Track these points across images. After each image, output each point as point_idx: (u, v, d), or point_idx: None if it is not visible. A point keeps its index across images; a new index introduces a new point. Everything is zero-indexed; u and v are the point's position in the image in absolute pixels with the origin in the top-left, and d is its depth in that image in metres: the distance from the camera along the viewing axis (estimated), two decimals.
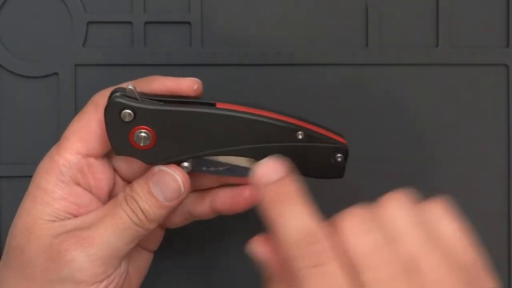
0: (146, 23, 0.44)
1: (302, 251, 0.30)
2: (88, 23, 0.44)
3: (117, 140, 0.35)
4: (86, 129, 0.36)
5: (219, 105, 0.35)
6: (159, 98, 0.35)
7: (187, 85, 0.37)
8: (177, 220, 0.40)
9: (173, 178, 0.36)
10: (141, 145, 0.35)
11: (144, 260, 0.40)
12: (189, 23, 0.45)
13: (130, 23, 0.44)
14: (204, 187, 0.39)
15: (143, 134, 0.35)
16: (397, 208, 0.31)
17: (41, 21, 0.44)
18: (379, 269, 0.29)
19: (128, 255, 0.37)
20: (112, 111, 0.34)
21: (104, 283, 0.35)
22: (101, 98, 0.36)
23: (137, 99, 0.35)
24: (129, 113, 0.34)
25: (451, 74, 0.45)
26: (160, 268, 0.44)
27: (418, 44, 0.46)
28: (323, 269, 0.29)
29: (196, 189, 0.39)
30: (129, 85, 0.35)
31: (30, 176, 0.42)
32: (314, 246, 0.30)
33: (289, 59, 0.45)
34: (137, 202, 0.36)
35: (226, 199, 0.38)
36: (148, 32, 0.45)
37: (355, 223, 0.30)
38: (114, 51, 0.44)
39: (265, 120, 0.35)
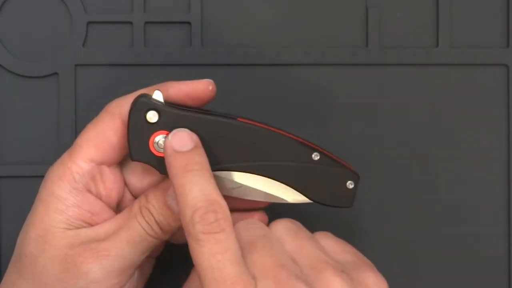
0: (146, 23, 0.44)
1: (205, 216, 0.31)
2: (88, 23, 0.44)
3: (136, 143, 0.35)
4: (101, 137, 0.36)
5: (240, 119, 0.36)
6: (183, 107, 0.36)
7: (202, 86, 0.37)
8: (182, 238, 0.39)
9: None
10: (160, 151, 0.35)
11: (148, 266, 0.40)
12: (189, 23, 0.45)
13: (130, 23, 0.44)
14: None
15: (163, 139, 0.35)
16: (284, 223, 0.35)
17: (41, 21, 0.44)
18: (263, 256, 0.32)
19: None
20: (137, 111, 0.35)
21: None
22: (116, 107, 0.36)
23: (163, 103, 0.35)
24: (154, 113, 0.35)
25: (451, 74, 0.45)
26: (162, 274, 0.44)
27: (418, 44, 0.45)
28: (221, 235, 0.31)
29: None
30: (156, 90, 0.35)
31: (30, 176, 0.42)
32: (217, 214, 0.32)
33: (289, 59, 0.45)
34: (152, 214, 0.36)
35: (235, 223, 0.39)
36: (148, 32, 0.45)
37: (249, 222, 0.34)
38: (114, 51, 0.44)
39: (284, 136, 0.36)
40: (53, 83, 0.44)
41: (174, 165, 0.34)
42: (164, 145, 0.34)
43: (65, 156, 0.37)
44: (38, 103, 0.44)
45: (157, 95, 0.35)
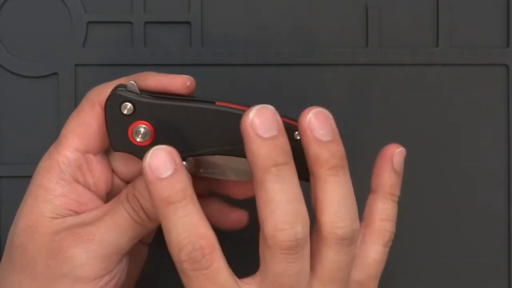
0: (146, 23, 0.44)
1: (191, 255, 0.32)
2: (88, 23, 0.44)
3: (116, 135, 0.36)
4: (84, 126, 0.36)
5: (218, 103, 0.35)
6: (159, 95, 0.36)
7: (180, 81, 0.37)
8: None
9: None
10: (139, 141, 0.35)
11: (141, 253, 0.40)
12: (189, 23, 0.45)
13: (130, 23, 0.44)
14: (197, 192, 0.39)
15: (142, 129, 0.35)
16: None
17: (41, 21, 0.44)
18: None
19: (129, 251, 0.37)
20: (112, 104, 0.35)
21: (105, 278, 0.35)
22: (96, 96, 0.37)
23: (138, 94, 0.35)
24: (129, 105, 0.35)
25: (451, 74, 0.45)
26: (159, 263, 0.44)
27: (418, 44, 0.45)
28: (209, 271, 0.32)
29: None
30: (130, 81, 0.35)
31: (31, 176, 0.42)
32: (203, 250, 0.32)
33: (289, 59, 0.45)
34: (138, 201, 0.36)
35: (215, 214, 0.39)
36: (148, 32, 0.45)
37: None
38: (114, 51, 0.44)
39: None
40: (53, 83, 0.44)
41: (155, 195, 0.32)
42: (143, 166, 0.32)
43: (52, 148, 0.37)
44: (38, 103, 0.44)
45: (132, 86, 0.35)
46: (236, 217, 0.39)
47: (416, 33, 0.46)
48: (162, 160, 0.32)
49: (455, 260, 0.45)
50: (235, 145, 0.35)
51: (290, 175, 0.32)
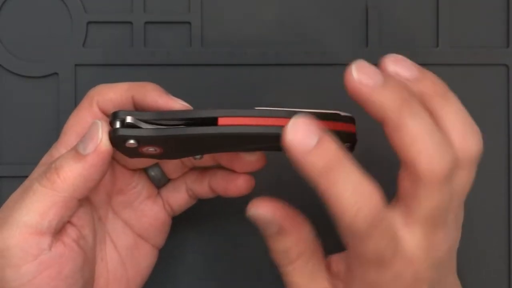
0: (146, 23, 0.44)
1: (363, 219, 0.30)
2: (88, 23, 0.44)
3: (128, 154, 0.36)
4: (82, 124, 0.37)
5: (221, 120, 0.34)
6: (159, 116, 0.35)
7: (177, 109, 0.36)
8: (181, 200, 0.40)
9: (95, 125, 0.35)
10: (152, 153, 0.36)
11: (145, 256, 0.40)
12: (189, 23, 0.45)
13: (130, 23, 0.44)
14: (203, 165, 0.39)
15: (151, 149, 0.35)
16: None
17: (41, 21, 0.44)
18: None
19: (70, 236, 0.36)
20: (116, 143, 0.35)
21: (35, 264, 0.34)
22: (95, 94, 0.37)
23: (138, 127, 0.34)
24: (132, 141, 0.34)
25: (451, 74, 0.45)
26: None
27: (418, 44, 0.46)
28: (382, 228, 0.31)
29: (197, 167, 0.39)
30: (127, 116, 0.34)
31: None
32: (374, 210, 0.31)
33: (289, 59, 0.45)
34: (54, 161, 0.35)
35: (221, 181, 0.38)
36: (148, 32, 0.45)
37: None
38: (114, 51, 0.44)
39: (269, 132, 0.34)
40: (53, 83, 0.44)
41: (310, 169, 0.30)
42: (285, 146, 0.30)
43: (53, 145, 0.38)
44: (38, 103, 0.44)
45: (130, 120, 0.34)
46: (243, 181, 0.38)
47: (416, 33, 0.46)
48: (303, 131, 0.31)
49: None
50: (245, 146, 0.35)
51: (419, 106, 0.32)
